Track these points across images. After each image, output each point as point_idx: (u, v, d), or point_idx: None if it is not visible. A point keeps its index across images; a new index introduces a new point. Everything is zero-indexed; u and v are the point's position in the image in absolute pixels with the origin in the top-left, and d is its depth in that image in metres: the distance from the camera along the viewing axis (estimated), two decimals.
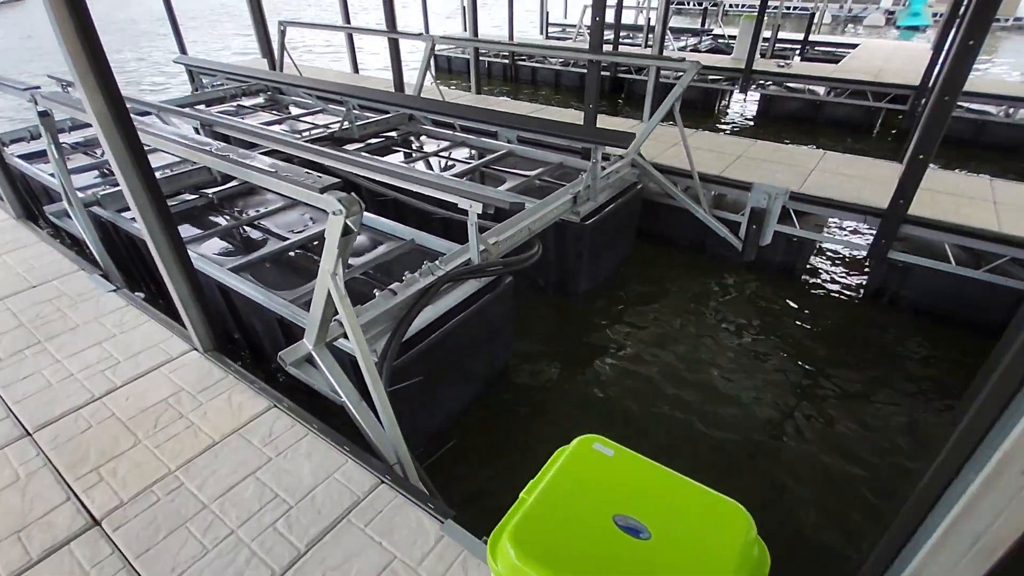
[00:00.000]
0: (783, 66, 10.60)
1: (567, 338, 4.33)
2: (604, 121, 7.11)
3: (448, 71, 14.79)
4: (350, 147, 5.91)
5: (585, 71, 12.65)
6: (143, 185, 2.20)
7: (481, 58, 13.63)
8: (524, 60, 13.79)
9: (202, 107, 7.07)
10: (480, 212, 2.96)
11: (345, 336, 2.66)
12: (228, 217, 4.39)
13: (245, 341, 3.80)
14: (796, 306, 4.68)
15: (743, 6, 27.79)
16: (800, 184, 4.94)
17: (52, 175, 4.87)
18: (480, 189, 3.09)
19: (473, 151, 6.04)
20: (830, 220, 5.44)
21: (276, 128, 6.49)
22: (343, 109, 6.97)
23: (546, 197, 4.05)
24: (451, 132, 6.35)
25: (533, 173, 5.17)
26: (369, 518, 1.90)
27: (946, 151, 8.25)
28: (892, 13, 30.24)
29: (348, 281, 3.48)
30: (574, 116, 7.11)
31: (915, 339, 4.24)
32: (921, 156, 3.94)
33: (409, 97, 5.93)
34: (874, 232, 4.39)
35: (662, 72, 10.57)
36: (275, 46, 7.27)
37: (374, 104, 6.16)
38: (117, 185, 5.03)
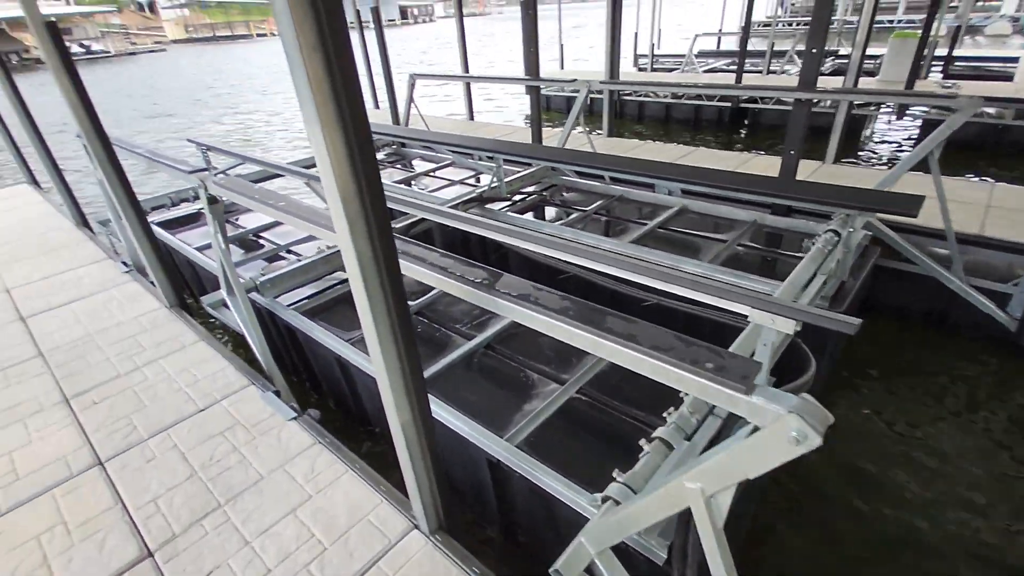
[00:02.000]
0: (949, 87, 9.16)
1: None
2: (727, 159, 6.17)
3: (547, 108, 14.35)
4: (496, 206, 5.33)
5: (699, 103, 11.84)
6: (391, 308, 1.48)
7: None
8: (629, 95, 13.09)
9: None
10: (798, 331, 2.10)
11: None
12: None
13: None
14: None
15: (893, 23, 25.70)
16: None
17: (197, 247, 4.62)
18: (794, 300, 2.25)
19: (633, 206, 5.26)
20: None
21: (407, 187, 6.05)
22: (471, 160, 6.51)
23: (790, 278, 3.13)
24: (601, 184, 5.62)
25: (728, 237, 4.28)
26: None
27: None
28: (1017, 20, 27.10)
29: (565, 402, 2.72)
30: (731, 160, 6.20)
31: None
32: None
33: (559, 150, 5.28)
34: None
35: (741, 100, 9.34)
36: (400, 99, 6.95)
37: (520, 159, 5.57)
38: (271, 264, 4.67)
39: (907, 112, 9.64)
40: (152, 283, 4.00)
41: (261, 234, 5.22)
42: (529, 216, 5.38)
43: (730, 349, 2.57)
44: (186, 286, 5.23)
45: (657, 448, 2.08)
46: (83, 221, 5.79)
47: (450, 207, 4.90)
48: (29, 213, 6.14)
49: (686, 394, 2.34)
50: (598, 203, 5.29)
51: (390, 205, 4.23)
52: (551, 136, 7.24)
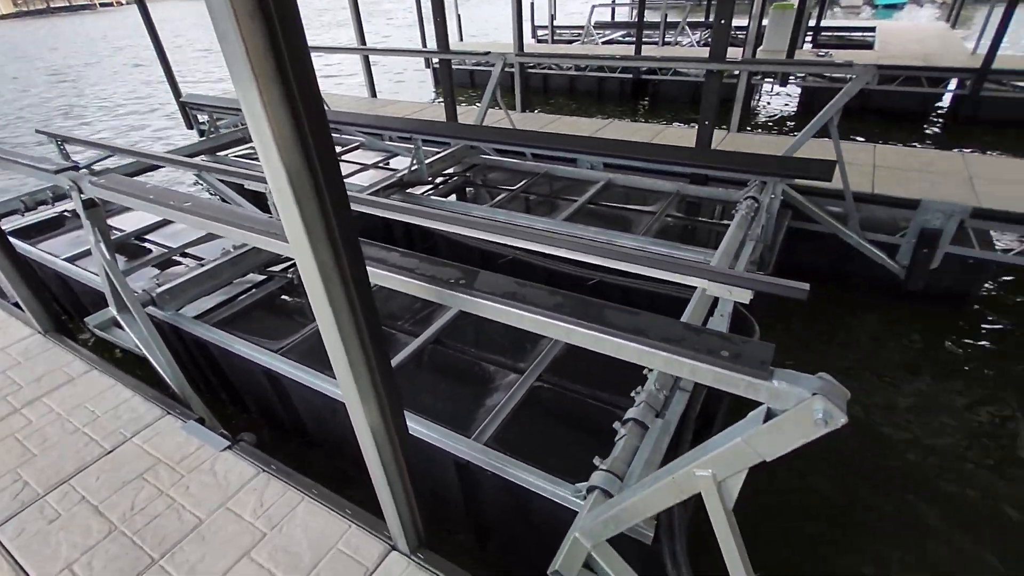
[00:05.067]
0: (823, 55, 10.05)
1: None
2: (642, 131, 6.37)
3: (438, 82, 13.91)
4: (417, 190, 5.06)
5: (602, 75, 12.03)
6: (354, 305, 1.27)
7: (487, 68, 12.79)
8: (533, 68, 13.02)
9: (223, 154, 6.11)
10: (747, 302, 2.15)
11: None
12: None
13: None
14: (987, 341, 3.99)
15: None
16: (970, 196, 4.27)
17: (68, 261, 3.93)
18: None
19: (559, 183, 5.23)
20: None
21: None
22: (383, 142, 6.14)
23: (723, 247, 3.24)
24: (524, 161, 5.53)
25: (655, 209, 4.38)
26: None
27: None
28: None
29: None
30: (646, 132, 6.34)
31: None
32: None
33: (481, 129, 5.10)
34: None
35: (680, 71, 9.93)
36: None
37: (438, 139, 5.31)
38: (165, 271, 4.06)
39: (788, 81, 10.49)
40: (17, 306, 3.35)
41: (146, 236, 4.55)
42: (453, 199, 5.18)
43: (682, 319, 2.61)
44: (59, 306, 4.47)
45: (633, 430, 2.06)
46: None
47: (370, 194, 4.58)
48: None
49: (650, 370, 2.36)
50: (523, 182, 5.19)
51: None
52: (464, 114, 6.99)
